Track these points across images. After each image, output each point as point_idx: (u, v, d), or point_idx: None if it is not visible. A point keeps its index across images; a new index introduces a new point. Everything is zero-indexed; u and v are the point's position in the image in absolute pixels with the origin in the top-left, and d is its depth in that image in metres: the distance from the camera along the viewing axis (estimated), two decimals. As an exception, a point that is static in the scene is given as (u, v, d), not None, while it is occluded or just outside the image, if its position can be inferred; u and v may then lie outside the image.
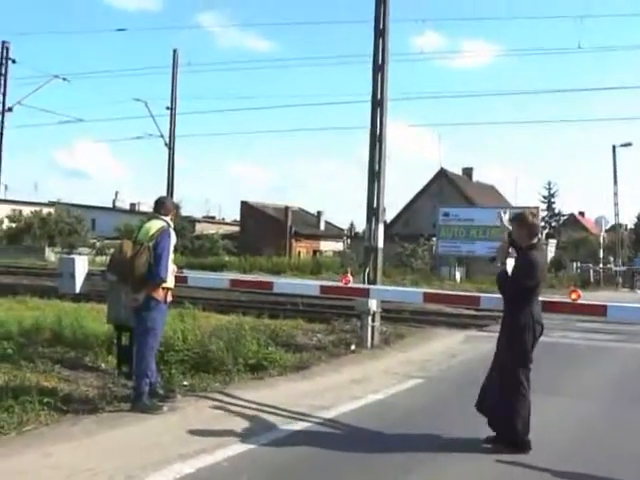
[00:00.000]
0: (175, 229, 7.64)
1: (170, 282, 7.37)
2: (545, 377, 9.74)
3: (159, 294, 7.21)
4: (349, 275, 9.73)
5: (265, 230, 55.82)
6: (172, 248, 7.38)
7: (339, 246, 61.29)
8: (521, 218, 6.49)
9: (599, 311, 7.57)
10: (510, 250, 6.49)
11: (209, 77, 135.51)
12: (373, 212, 12.62)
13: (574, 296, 7.25)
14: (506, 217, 6.71)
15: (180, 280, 8.81)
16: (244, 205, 61.78)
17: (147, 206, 46.91)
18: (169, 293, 7.41)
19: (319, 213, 65.93)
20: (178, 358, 9.03)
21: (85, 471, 5.26)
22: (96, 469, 5.30)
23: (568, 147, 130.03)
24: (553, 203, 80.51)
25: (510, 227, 6.53)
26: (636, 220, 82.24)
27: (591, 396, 8.93)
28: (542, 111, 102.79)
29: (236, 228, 64.46)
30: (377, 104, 12.79)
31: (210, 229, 64.97)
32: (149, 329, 7.23)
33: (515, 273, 6.30)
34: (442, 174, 55.46)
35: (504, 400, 6.25)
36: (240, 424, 6.77)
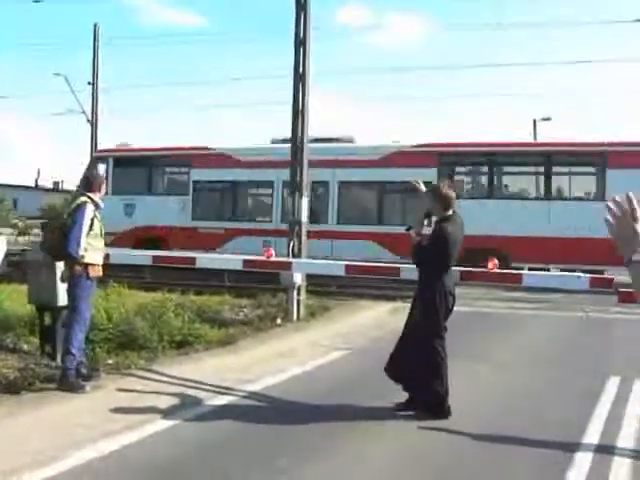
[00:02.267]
0: (102, 206, 7.56)
1: (92, 258, 7.28)
2: (469, 345, 10.03)
3: (77, 270, 7.14)
4: (271, 249, 9.78)
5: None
6: (97, 224, 7.32)
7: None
8: (434, 189, 6.58)
9: (516, 279, 7.81)
10: (425, 222, 6.57)
11: (134, 53, 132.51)
12: (297, 186, 12.67)
13: (490, 265, 7.46)
14: (422, 186, 6.72)
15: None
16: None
17: (72, 184, 45.78)
18: (94, 269, 7.31)
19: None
20: (102, 337, 8.93)
21: (7, 453, 5.20)
22: (19, 450, 5.24)
23: (495, 120, 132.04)
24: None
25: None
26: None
27: (514, 363, 9.22)
28: (471, 84, 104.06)
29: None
30: (299, 78, 12.80)
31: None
32: (72, 306, 7.21)
33: (428, 245, 6.40)
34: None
35: (423, 369, 6.40)
36: (165, 400, 6.77)
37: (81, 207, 7.24)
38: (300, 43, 12.84)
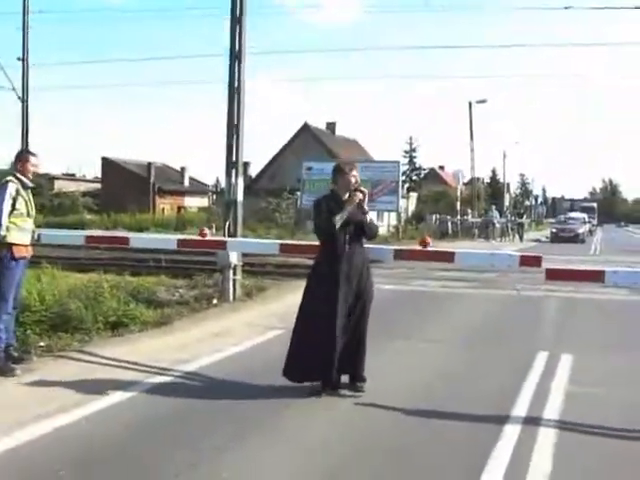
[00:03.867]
0: (31, 185, 7.39)
1: (16, 238, 7.12)
2: (404, 323, 10.22)
3: (0, 250, 7.02)
4: (206, 229, 9.74)
5: (127, 187, 54.41)
6: (23, 203, 7.16)
7: (204, 202, 60.78)
8: (334, 169, 6.71)
9: (447, 257, 7.95)
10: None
11: (63, 29, 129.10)
12: (233, 165, 12.63)
13: (424, 244, 7.58)
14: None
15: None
16: (105, 161, 59.87)
17: (3, 163, 44.56)
18: (19, 249, 7.15)
19: (183, 169, 64.85)
20: (35, 319, 8.77)
21: None
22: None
23: (429, 103, 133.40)
24: (414, 157, 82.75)
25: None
26: (491, 174, 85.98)
27: (447, 340, 9.40)
28: (400, 68, 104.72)
29: (98, 185, 62.50)
30: (235, 57, 12.72)
31: (70, 187, 62.76)
32: None
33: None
34: (306, 129, 55.78)
35: (362, 343, 6.53)
36: (99, 382, 6.70)
37: (2, 187, 7.07)
38: (237, 21, 12.74)
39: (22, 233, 7.20)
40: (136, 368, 7.31)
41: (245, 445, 5.15)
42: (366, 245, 6.78)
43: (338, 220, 6.38)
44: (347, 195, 6.52)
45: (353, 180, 6.53)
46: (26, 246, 7.28)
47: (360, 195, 6.51)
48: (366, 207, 6.61)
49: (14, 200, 7.10)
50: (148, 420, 5.72)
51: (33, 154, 7.53)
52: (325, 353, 6.38)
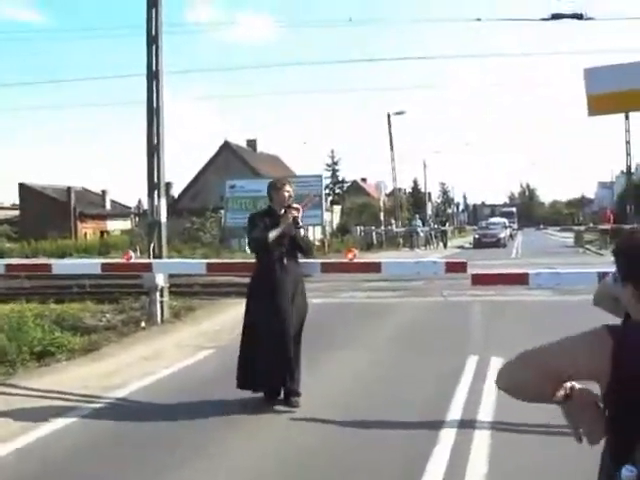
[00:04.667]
0: None
1: None
2: (335, 335, 10.23)
3: None
4: (130, 252, 9.59)
5: (47, 213, 53.10)
6: None
7: (127, 225, 59.81)
8: (269, 186, 6.89)
9: (374, 268, 8.02)
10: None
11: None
12: (155, 186, 12.49)
13: (350, 256, 7.64)
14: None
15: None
16: (22, 187, 58.39)
17: None
18: None
19: (104, 192, 63.73)
20: (-45, 354, 8.50)
21: None
22: None
23: (350, 116, 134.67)
24: (337, 170, 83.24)
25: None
26: (413, 184, 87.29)
27: (378, 349, 9.48)
28: (320, 82, 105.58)
29: (16, 212, 60.88)
30: (153, 76, 12.61)
31: (-14, 215, 60.92)
32: None
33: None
34: (227, 147, 55.61)
35: (297, 357, 6.59)
36: (27, 413, 6.50)
37: None
38: (152, 40, 12.64)
39: None
40: (65, 397, 7.12)
41: (182, 468, 5.07)
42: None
43: (272, 235, 6.52)
44: (282, 211, 6.64)
45: (287, 195, 6.72)
46: None
47: (295, 212, 6.66)
48: (301, 222, 6.71)
49: None
50: (79, 451, 5.57)
51: None
52: (267, 365, 6.46)
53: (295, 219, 6.66)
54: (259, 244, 6.65)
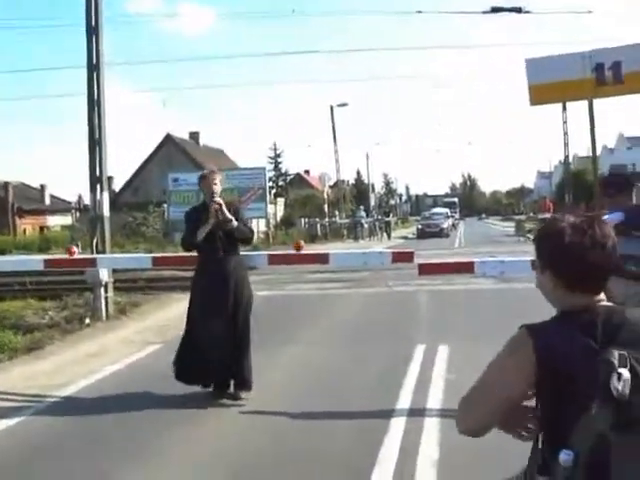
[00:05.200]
0: None
1: None
2: (279, 328, 10.20)
3: None
4: (74, 247, 9.42)
5: (-17, 209, 51.92)
6: None
7: (68, 220, 58.73)
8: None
9: (322, 259, 8.04)
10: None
11: None
12: (97, 180, 12.28)
13: (297, 247, 7.63)
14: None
15: None
16: (-44, 184, 56.94)
17: None
18: None
19: (43, 187, 62.46)
20: None
21: None
22: None
23: (291, 108, 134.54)
24: (280, 163, 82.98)
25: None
26: (356, 175, 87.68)
27: (324, 341, 9.49)
28: (262, 73, 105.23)
29: (-50, 209, 59.28)
30: (93, 68, 12.38)
31: None
32: None
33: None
34: (169, 139, 55.00)
35: (245, 349, 6.55)
36: (-31, 415, 6.35)
37: None
38: (92, 31, 12.40)
39: None
40: (9, 397, 6.96)
41: (133, 466, 5.01)
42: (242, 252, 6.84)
43: (201, 232, 6.53)
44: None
45: (214, 187, 6.63)
46: None
47: (215, 205, 6.56)
48: (227, 214, 6.57)
49: None
50: (26, 451, 5.46)
51: None
52: (210, 358, 6.44)
53: (217, 212, 6.52)
54: (186, 244, 6.84)
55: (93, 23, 12.42)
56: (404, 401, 6.30)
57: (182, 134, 58.15)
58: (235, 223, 6.62)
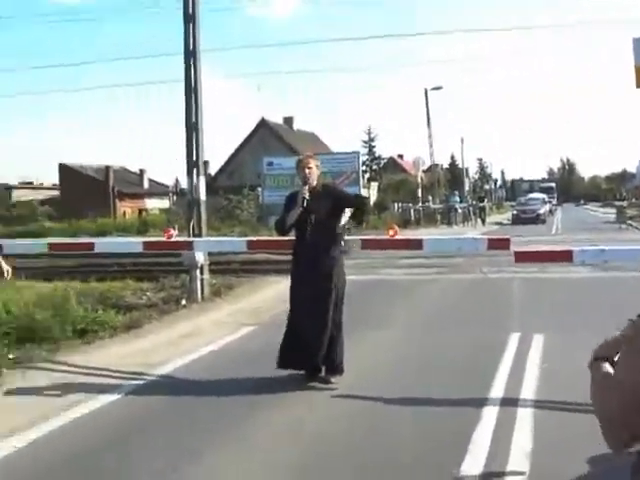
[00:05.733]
0: None
1: None
2: (374, 313, 10.21)
3: None
4: (171, 229, 9.64)
5: (86, 192, 53.66)
6: None
7: (165, 203, 60.24)
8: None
9: (416, 245, 7.97)
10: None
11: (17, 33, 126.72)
12: (193, 164, 12.52)
13: (391, 232, 7.59)
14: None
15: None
16: (62, 168, 59.09)
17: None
18: None
19: (142, 171, 64.24)
20: (1, 332, 8.59)
21: None
22: None
23: (386, 92, 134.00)
24: (374, 147, 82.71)
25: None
26: (450, 160, 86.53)
27: (418, 326, 9.45)
28: (353, 59, 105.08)
29: (56, 192, 61.63)
30: (190, 55, 12.60)
31: (28, 195, 61.76)
32: None
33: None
34: (263, 124, 55.62)
35: (338, 334, 6.57)
36: (71, 390, 6.57)
37: None
38: (189, 19, 12.62)
39: None
40: (108, 374, 7.20)
41: (224, 445, 5.12)
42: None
43: (290, 217, 6.62)
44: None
45: (307, 172, 6.66)
46: None
47: (304, 192, 6.59)
48: (305, 203, 6.55)
49: None
50: (123, 427, 5.65)
51: None
52: (303, 342, 6.47)
53: (304, 199, 6.55)
54: (278, 228, 6.94)
55: (190, 11, 12.62)
56: (497, 390, 6.21)
57: (276, 119, 58.68)
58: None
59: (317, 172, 6.76)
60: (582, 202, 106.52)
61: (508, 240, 7.52)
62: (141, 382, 6.94)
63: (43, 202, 59.04)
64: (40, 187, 69.09)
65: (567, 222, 44.75)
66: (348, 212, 6.83)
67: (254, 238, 9.97)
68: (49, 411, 5.93)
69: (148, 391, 6.66)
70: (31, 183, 71.24)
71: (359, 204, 6.98)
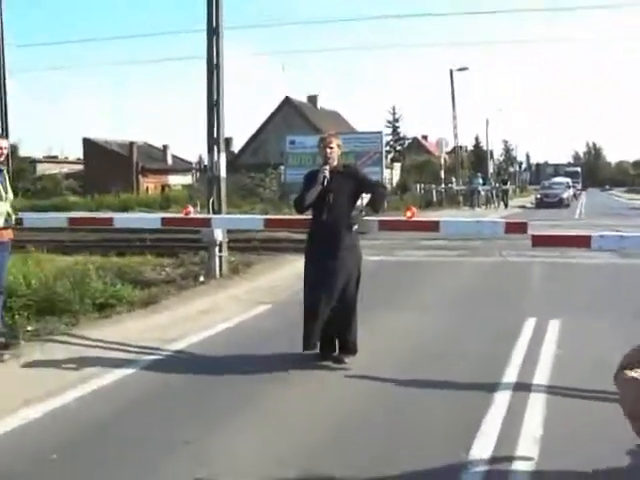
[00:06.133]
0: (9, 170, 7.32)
1: None
2: (391, 294, 10.22)
3: None
4: (190, 206, 9.67)
5: (110, 167, 53.86)
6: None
7: (188, 180, 60.40)
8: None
9: (432, 227, 7.94)
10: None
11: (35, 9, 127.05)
12: (214, 142, 12.54)
13: (409, 214, 7.56)
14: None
15: (15, 222, 8.43)
16: (86, 142, 59.31)
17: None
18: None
19: (165, 147, 64.35)
20: (21, 303, 8.68)
21: None
22: None
23: (412, 73, 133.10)
24: (398, 127, 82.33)
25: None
26: (474, 141, 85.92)
27: (434, 308, 9.45)
28: (380, 37, 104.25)
29: (80, 167, 61.94)
30: (212, 31, 12.57)
31: (53, 169, 62.15)
32: None
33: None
34: (287, 102, 55.52)
35: (352, 314, 6.60)
36: (88, 363, 6.67)
37: None
38: (212, -3, 12.59)
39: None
40: (125, 349, 7.27)
41: (237, 421, 5.17)
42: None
43: (310, 195, 6.59)
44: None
45: (328, 151, 6.64)
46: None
47: (325, 172, 6.56)
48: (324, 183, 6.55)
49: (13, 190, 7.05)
50: (138, 400, 5.72)
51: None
52: (319, 322, 6.48)
53: (324, 178, 6.53)
54: (297, 206, 6.86)
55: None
56: (510, 374, 6.19)
57: (300, 97, 58.53)
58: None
59: (338, 152, 6.72)
60: (607, 187, 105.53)
61: (526, 224, 7.46)
62: (157, 357, 7.00)
63: (67, 176, 59.40)
64: (65, 161, 69.45)
65: (591, 207, 44.34)
66: (366, 198, 6.82)
67: (271, 216, 9.98)
68: (66, 383, 6.01)
69: (164, 366, 6.72)
70: (56, 157, 71.63)
71: (379, 193, 6.91)
